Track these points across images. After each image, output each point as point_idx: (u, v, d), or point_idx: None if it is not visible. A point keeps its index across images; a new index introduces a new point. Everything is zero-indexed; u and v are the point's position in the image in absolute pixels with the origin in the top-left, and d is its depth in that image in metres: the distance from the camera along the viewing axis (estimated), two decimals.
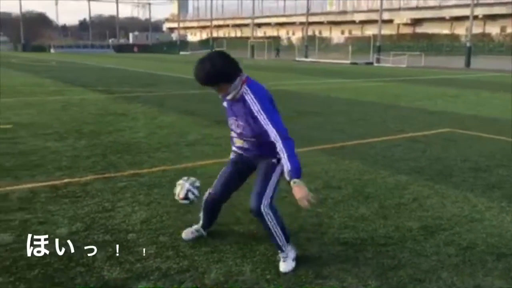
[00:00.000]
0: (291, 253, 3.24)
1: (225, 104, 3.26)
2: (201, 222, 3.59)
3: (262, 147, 3.16)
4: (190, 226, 3.64)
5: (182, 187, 3.36)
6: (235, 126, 3.22)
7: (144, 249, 3.34)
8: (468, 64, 37.05)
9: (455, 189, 4.97)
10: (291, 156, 2.90)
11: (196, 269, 3.11)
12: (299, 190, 2.82)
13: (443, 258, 3.35)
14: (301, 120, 9.52)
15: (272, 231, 3.19)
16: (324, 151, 6.68)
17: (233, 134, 3.30)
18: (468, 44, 38.45)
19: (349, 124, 9.16)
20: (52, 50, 70.46)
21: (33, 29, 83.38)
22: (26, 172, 5.27)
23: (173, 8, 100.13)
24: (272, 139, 2.97)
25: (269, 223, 3.16)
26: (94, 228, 3.74)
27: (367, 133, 8.19)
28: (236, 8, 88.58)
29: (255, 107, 3.00)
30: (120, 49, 75.74)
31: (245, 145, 3.24)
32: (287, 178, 2.89)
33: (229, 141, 3.40)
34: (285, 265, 3.20)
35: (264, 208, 3.10)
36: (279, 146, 2.93)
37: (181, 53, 71.29)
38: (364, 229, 3.85)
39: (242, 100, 3.06)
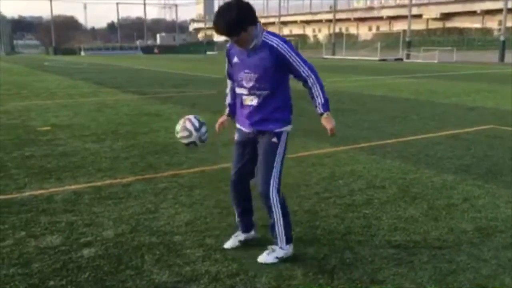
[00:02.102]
0: (281, 251, 3.17)
1: (235, 59, 3.11)
2: (239, 226, 3.46)
3: (269, 107, 3.06)
4: (235, 229, 3.51)
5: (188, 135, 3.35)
6: (247, 80, 3.06)
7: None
8: (502, 58, 36.01)
9: (506, 188, 4.76)
10: (324, 92, 3.12)
11: (246, 273, 3.04)
12: (330, 121, 3.12)
13: (504, 262, 3.18)
14: (336, 117, 9.21)
15: (275, 221, 3.16)
16: (364, 150, 6.52)
17: (242, 91, 3.12)
18: (502, 38, 37.36)
19: (386, 121, 8.95)
20: (82, 53, 71.74)
21: (63, 32, 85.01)
22: (68, 174, 5.31)
23: (199, 9, 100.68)
24: (305, 76, 3.06)
25: (274, 210, 3.13)
26: (139, 230, 3.71)
27: (406, 130, 7.98)
28: (261, 7, 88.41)
29: (287, 52, 2.99)
30: (147, 50, 76.58)
31: (254, 102, 3.09)
32: (318, 111, 3.12)
33: None
34: (266, 257, 3.16)
35: (273, 193, 3.10)
36: (312, 80, 3.07)
37: (208, 53, 71.57)
38: (415, 231, 3.70)
39: (264, 47, 2.97)
